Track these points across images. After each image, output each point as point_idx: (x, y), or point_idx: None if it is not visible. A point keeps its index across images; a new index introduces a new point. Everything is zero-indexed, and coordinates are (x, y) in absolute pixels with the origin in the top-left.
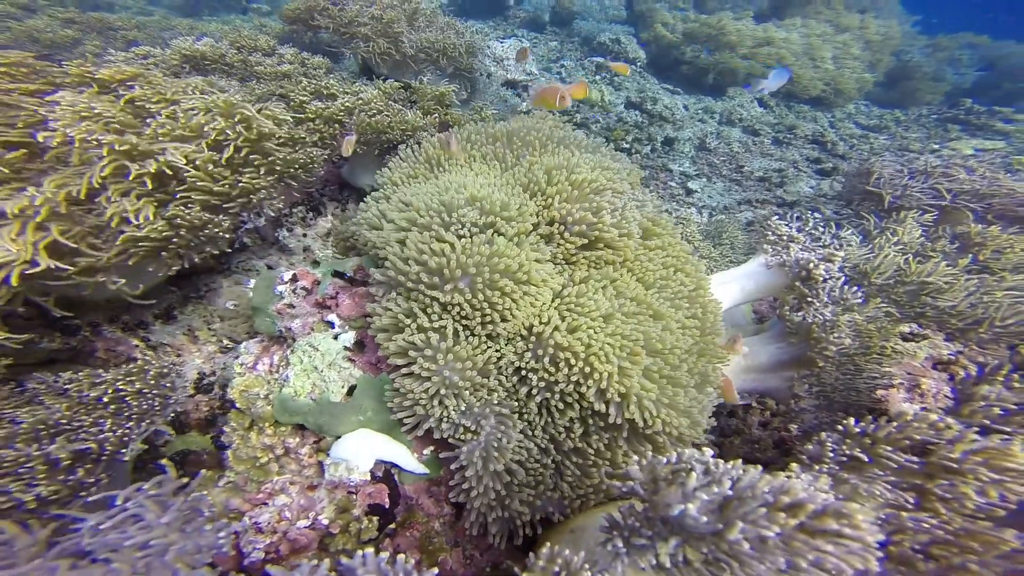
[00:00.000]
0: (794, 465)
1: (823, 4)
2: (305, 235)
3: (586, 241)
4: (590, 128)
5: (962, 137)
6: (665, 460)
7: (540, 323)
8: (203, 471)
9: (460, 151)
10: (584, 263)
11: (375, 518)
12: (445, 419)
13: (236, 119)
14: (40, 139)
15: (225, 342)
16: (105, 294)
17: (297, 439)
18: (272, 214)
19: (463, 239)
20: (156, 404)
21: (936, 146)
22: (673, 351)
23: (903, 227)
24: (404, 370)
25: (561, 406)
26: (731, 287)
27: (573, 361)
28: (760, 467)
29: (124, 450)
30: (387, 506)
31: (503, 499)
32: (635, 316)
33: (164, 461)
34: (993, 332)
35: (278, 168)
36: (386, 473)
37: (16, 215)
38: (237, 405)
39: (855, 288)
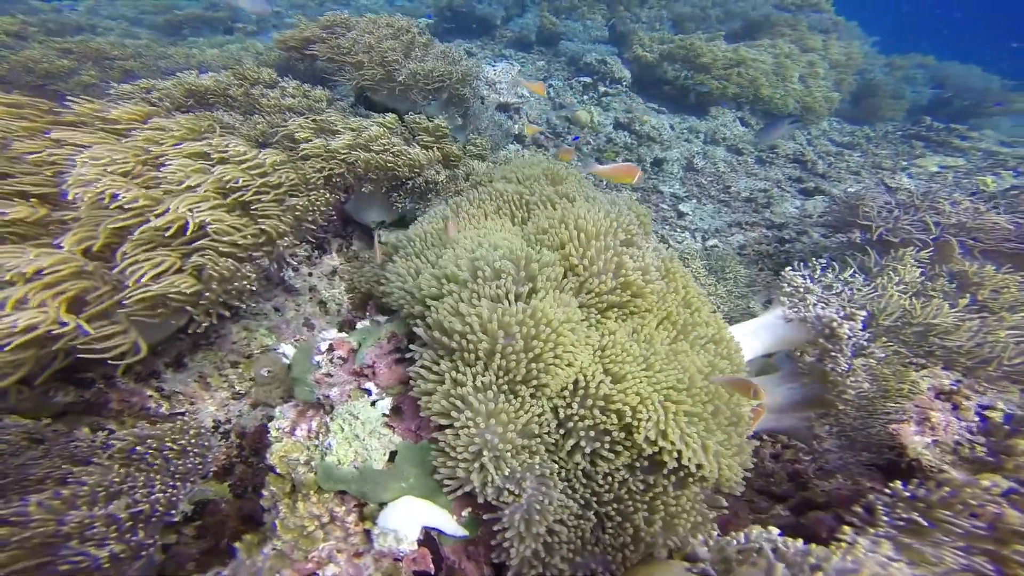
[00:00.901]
0: (847, 528)
1: (788, 26)
2: (311, 274)
3: (614, 285)
4: (582, 150)
5: (926, 154)
6: (734, 541)
7: (584, 378)
8: (246, 536)
9: (456, 233)
10: (613, 313)
11: None
12: (490, 483)
13: (248, 166)
14: (71, 197)
15: (237, 388)
16: None
17: (342, 507)
18: (294, 263)
19: (502, 296)
20: (198, 463)
21: (905, 163)
22: (707, 393)
23: (903, 266)
24: (449, 431)
25: (611, 456)
26: (750, 339)
27: (623, 408)
28: (819, 545)
29: (173, 511)
30: (432, 572)
31: (543, 559)
32: (669, 361)
33: (237, 544)
34: (1002, 371)
35: (298, 213)
36: (427, 536)
37: (32, 276)
38: (277, 470)
39: (869, 334)
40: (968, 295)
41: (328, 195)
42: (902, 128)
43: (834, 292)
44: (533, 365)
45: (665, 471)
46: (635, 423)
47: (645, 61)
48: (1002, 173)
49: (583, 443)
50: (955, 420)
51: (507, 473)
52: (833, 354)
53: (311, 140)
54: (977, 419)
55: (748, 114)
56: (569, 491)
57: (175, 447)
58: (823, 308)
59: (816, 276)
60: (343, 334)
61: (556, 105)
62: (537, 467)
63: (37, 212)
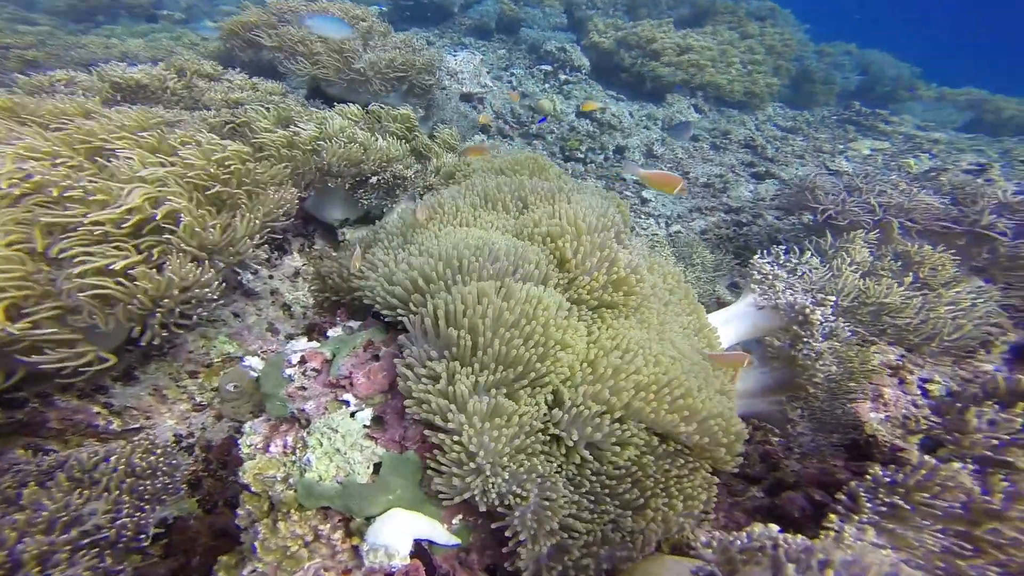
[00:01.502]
0: (832, 516)
1: (729, 13)
2: (271, 277)
3: (606, 281)
4: (546, 138)
5: (858, 138)
6: (737, 540)
7: (587, 362)
8: (222, 558)
9: (427, 219)
10: (607, 312)
11: None
12: (492, 489)
13: (218, 158)
14: (4, 185)
15: (197, 399)
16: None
17: (327, 524)
18: (253, 266)
19: (497, 289)
20: (167, 482)
21: (842, 147)
22: (700, 368)
23: (854, 247)
24: (443, 434)
25: (622, 443)
26: (724, 329)
27: (638, 378)
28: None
29: (143, 535)
30: None
31: (561, 557)
32: (663, 336)
33: (220, 573)
34: (943, 346)
35: (268, 208)
36: (418, 547)
37: None
38: (252, 489)
39: (836, 319)
40: (911, 273)
41: (296, 190)
42: (836, 113)
43: (798, 276)
44: (532, 351)
45: (680, 447)
46: (650, 395)
47: (602, 48)
48: (920, 156)
49: (591, 430)
50: (902, 395)
51: (507, 476)
52: (806, 340)
53: (273, 132)
54: (919, 392)
55: (701, 100)
56: (571, 488)
57: (143, 465)
58: (792, 294)
59: (780, 261)
60: (315, 343)
61: (520, 94)
62: (540, 466)
63: None
